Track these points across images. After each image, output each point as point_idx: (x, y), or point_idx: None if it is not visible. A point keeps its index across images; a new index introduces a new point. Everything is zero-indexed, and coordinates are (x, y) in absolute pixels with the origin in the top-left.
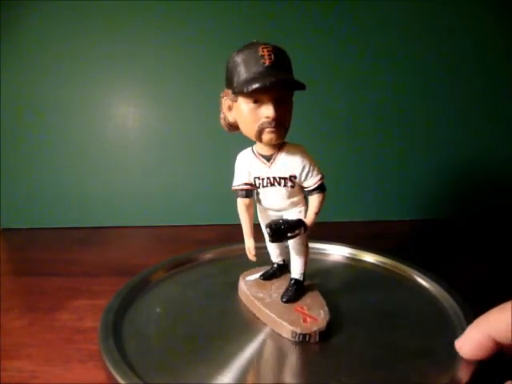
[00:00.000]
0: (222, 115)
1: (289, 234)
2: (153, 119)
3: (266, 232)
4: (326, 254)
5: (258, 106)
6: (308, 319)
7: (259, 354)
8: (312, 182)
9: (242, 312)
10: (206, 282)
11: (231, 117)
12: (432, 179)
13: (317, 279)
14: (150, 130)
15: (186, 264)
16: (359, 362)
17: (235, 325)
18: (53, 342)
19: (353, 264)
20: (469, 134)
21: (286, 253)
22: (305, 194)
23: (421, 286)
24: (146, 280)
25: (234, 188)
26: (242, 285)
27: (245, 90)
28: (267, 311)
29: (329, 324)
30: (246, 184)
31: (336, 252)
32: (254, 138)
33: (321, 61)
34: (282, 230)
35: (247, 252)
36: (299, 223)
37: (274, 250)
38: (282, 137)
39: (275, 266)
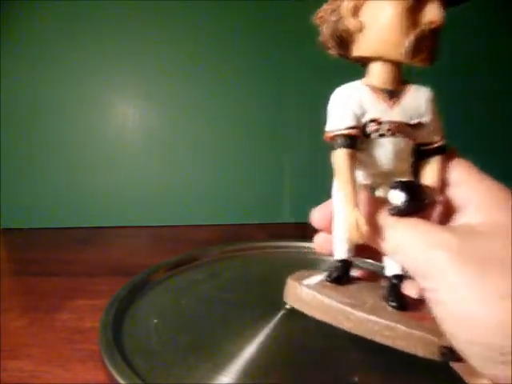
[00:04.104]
0: (326, 24)
1: (426, 200)
2: (153, 119)
3: (391, 198)
4: (326, 254)
5: (418, 5)
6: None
7: (260, 354)
8: (438, 137)
9: (238, 314)
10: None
11: (353, 24)
12: None
13: None
14: (150, 130)
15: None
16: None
17: (234, 326)
18: (53, 342)
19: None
20: (471, 135)
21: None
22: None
23: None
24: (146, 281)
25: (331, 134)
26: (306, 291)
27: None
28: (392, 324)
29: None
30: (353, 128)
31: None
32: (395, 56)
33: (321, 59)
34: (418, 191)
35: (352, 228)
36: (429, 188)
37: (343, 242)
38: (436, 59)
39: (340, 263)
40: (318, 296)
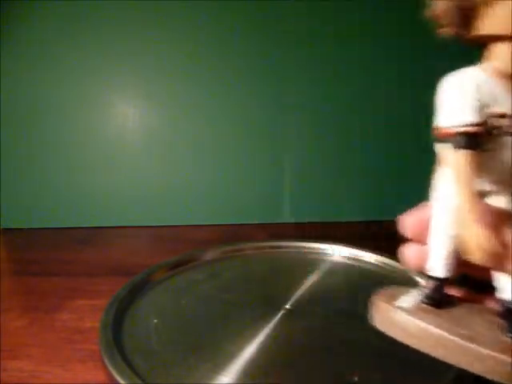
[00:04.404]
0: None
1: None
2: (153, 119)
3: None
4: (325, 254)
5: None
6: None
7: (260, 354)
8: None
9: (238, 314)
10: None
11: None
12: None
13: (317, 279)
14: (150, 130)
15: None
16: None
17: (234, 326)
18: (53, 342)
19: (353, 264)
20: None
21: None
22: None
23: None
24: (146, 281)
25: (449, 131)
26: (402, 315)
27: None
28: None
29: None
30: (476, 124)
31: (336, 252)
32: None
33: (321, 59)
34: None
35: (476, 248)
36: None
37: (443, 257)
38: None
39: (439, 282)
40: (421, 323)
